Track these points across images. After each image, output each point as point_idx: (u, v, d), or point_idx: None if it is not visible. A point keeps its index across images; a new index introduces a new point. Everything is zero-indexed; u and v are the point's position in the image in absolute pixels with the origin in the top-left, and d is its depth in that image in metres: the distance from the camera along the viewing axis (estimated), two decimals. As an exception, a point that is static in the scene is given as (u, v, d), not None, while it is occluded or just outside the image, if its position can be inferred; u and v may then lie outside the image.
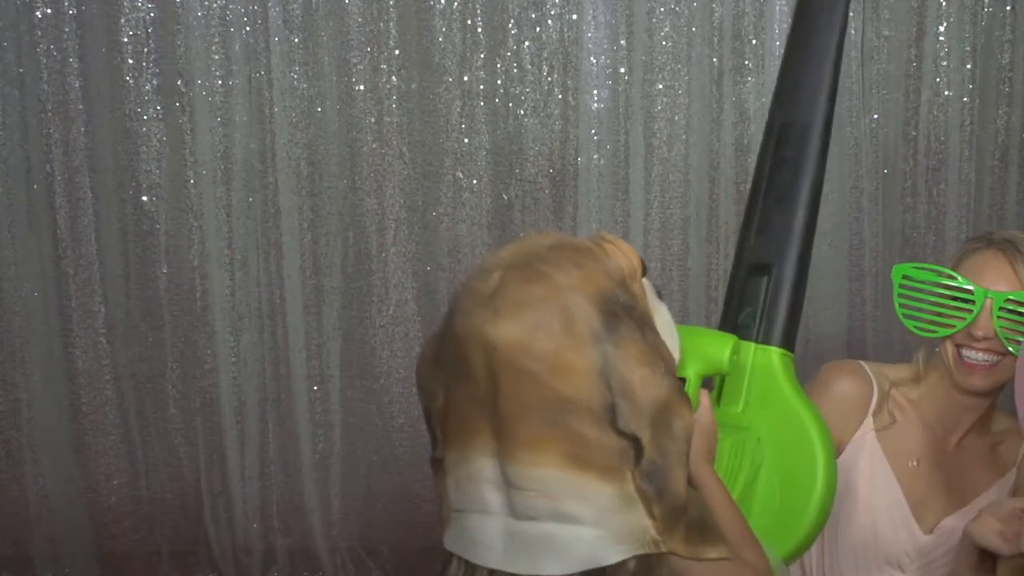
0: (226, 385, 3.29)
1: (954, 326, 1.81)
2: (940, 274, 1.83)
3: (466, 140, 3.23)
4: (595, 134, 3.21)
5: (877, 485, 1.89)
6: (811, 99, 1.54)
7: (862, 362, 1.98)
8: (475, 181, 3.26)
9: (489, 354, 1.02)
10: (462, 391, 1.05)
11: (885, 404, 1.94)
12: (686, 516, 1.04)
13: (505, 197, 3.27)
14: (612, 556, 1.02)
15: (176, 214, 3.24)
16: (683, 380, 1.33)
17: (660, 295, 1.11)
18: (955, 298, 1.81)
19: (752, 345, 1.52)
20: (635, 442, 1.02)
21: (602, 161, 3.23)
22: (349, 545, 3.41)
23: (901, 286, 1.86)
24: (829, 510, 1.47)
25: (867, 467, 1.90)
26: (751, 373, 1.50)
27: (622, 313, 1.04)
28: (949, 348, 1.84)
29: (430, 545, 3.56)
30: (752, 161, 3.24)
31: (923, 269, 1.86)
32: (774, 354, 1.51)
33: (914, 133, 3.33)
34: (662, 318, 1.10)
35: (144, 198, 3.24)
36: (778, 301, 1.53)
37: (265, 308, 3.29)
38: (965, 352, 1.82)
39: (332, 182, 3.25)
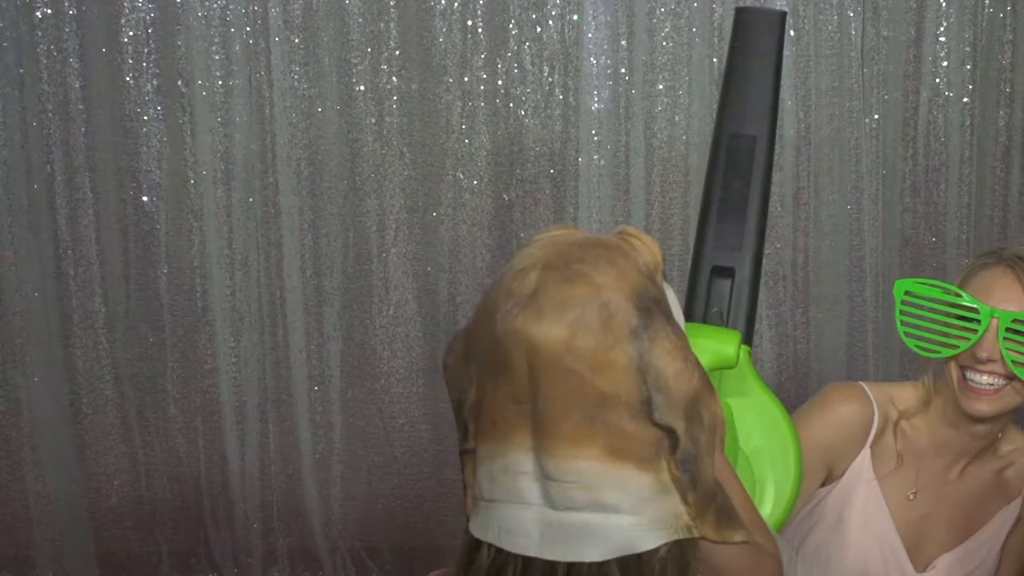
0: (226, 385, 3.30)
1: (958, 347, 1.71)
2: (944, 291, 1.74)
3: (467, 141, 3.24)
4: (595, 134, 3.21)
5: (870, 521, 1.82)
6: (757, 113, 1.61)
7: (866, 385, 1.88)
8: (475, 182, 3.26)
9: (531, 355, 1.04)
10: (499, 389, 1.07)
11: (886, 433, 1.84)
12: (715, 502, 1.09)
13: (506, 197, 3.28)
14: (648, 542, 1.06)
15: (176, 214, 3.24)
16: None
17: (664, 276, 1.14)
18: (960, 317, 1.71)
19: None
20: (670, 433, 1.05)
21: (602, 161, 3.23)
22: (349, 545, 3.41)
23: (903, 302, 1.76)
24: (800, 488, 1.54)
25: (862, 502, 1.83)
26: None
27: (654, 307, 1.07)
28: (953, 370, 1.74)
29: (430, 545, 3.58)
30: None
31: (927, 285, 1.76)
32: (742, 351, 1.56)
33: (914, 133, 3.34)
34: (671, 299, 1.13)
35: (144, 198, 3.24)
36: (741, 301, 1.59)
37: (265, 308, 3.29)
38: (969, 375, 1.72)
39: (332, 182, 3.25)
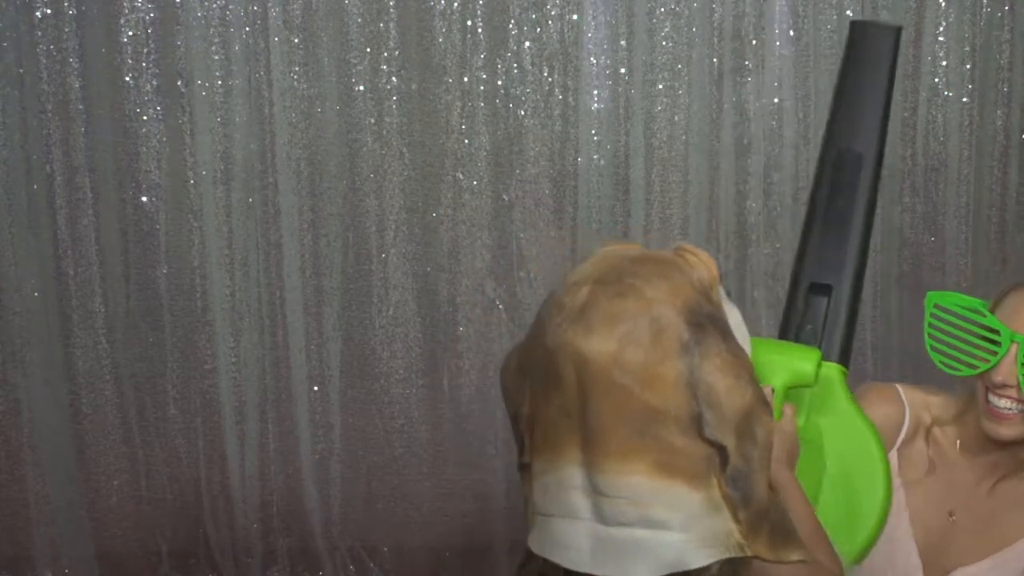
0: (226, 385, 3.29)
1: (977, 367, 1.68)
2: (972, 308, 1.70)
3: (466, 141, 3.24)
4: (595, 134, 3.21)
5: (887, 529, 1.71)
6: (865, 130, 1.57)
7: (902, 388, 1.85)
8: (475, 182, 3.26)
9: (580, 368, 1.04)
10: (551, 402, 1.07)
11: (917, 437, 1.82)
12: (769, 520, 1.08)
13: (505, 198, 3.28)
14: (698, 560, 1.05)
15: (176, 214, 3.24)
16: (770, 389, 1.40)
17: (729, 295, 1.14)
18: (984, 337, 1.68)
19: None
20: (721, 450, 1.05)
21: (602, 161, 3.23)
22: (349, 545, 3.41)
23: (932, 316, 1.72)
24: (887, 514, 1.51)
25: None
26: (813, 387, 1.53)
27: (707, 323, 1.06)
28: (980, 389, 1.71)
29: (430, 545, 3.58)
30: (751, 161, 3.26)
31: (957, 300, 1.73)
32: (834, 370, 1.53)
33: (913, 133, 3.34)
34: (735, 320, 1.13)
35: (144, 198, 3.24)
36: (837, 320, 1.56)
37: (265, 308, 3.29)
38: (990, 397, 1.69)
39: (332, 183, 3.25)
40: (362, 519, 3.42)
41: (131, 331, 3.28)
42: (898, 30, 1.61)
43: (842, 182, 1.58)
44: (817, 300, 1.57)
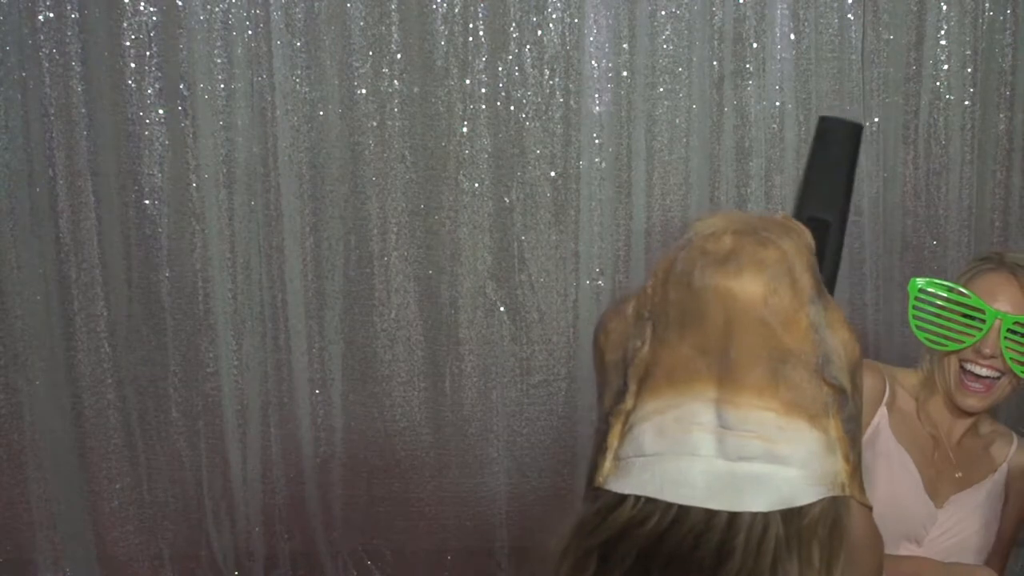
0: (228, 389, 3.30)
1: (963, 342, 1.94)
2: (953, 291, 1.94)
3: (468, 143, 3.24)
4: (596, 137, 3.22)
5: (895, 465, 2.03)
6: (831, 204, 1.72)
7: (877, 363, 2.13)
8: (477, 184, 3.27)
9: (730, 306, 1.12)
10: (685, 341, 1.14)
11: (896, 398, 2.08)
12: (860, 467, 1.17)
13: (507, 200, 3.28)
14: (808, 496, 1.12)
15: (178, 217, 3.25)
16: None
17: None
18: (966, 315, 1.94)
19: None
20: (841, 392, 1.14)
21: (604, 164, 3.23)
22: (351, 548, 3.41)
23: (916, 299, 1.96)
24: None
25: (884, 450, 2.04)
26: None
27: (820, 282, 1.18)
28: (953, 364, 1.98)
29: (432, 548, 3.57)
30: (752, 164, 3.26)
31: (938, 284, 1.96)
32: None
33: (914, 137, 3.34)
34: None
35: (146, 201, 3.24)
36: None
37: (267, 311, 3.30)
38: (969, 367, 1.96)
39: (334, 186, 3.26)
40: (364, 522, 3.42)
41: (133, 334, 3.29)
42: (860, 128, 1.79)
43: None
44: None
